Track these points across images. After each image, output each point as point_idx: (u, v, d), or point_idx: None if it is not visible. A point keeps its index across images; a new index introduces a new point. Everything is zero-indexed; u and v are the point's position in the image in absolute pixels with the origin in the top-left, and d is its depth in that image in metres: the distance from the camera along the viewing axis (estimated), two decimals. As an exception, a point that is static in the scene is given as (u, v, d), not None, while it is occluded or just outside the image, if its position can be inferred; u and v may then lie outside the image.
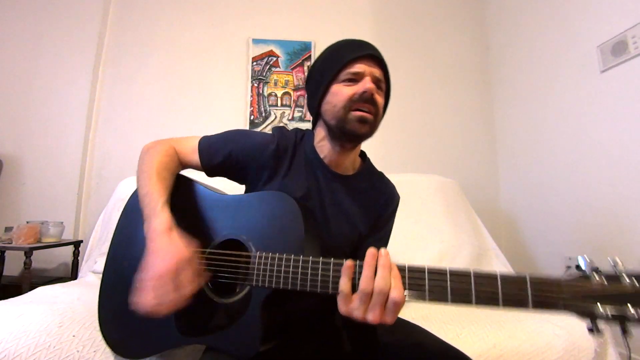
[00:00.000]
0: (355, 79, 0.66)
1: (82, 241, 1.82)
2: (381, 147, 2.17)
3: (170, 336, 0.63)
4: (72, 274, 1.75)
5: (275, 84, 2.17)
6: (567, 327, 0.86)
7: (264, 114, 2.14)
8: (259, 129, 2.10)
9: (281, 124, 2.12)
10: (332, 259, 0.52)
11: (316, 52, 2.20)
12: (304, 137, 0.77)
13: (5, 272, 1.71)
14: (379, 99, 0.67)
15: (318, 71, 0.72)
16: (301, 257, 0.54)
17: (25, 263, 1.50)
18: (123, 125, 2.06)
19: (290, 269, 0.54)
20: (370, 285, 0.46)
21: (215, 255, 0.64)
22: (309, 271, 0.53)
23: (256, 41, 2.19)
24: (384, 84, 0.70)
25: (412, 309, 1.00)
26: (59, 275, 1.87)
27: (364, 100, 0.64)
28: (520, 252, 1.95)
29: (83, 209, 1.96)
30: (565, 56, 1.70)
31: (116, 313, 0.69)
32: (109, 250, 0.76)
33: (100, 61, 2.09)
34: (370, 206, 0.75)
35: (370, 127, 0.67)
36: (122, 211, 0.79)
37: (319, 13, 2.28)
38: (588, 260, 0.43)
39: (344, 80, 0.66)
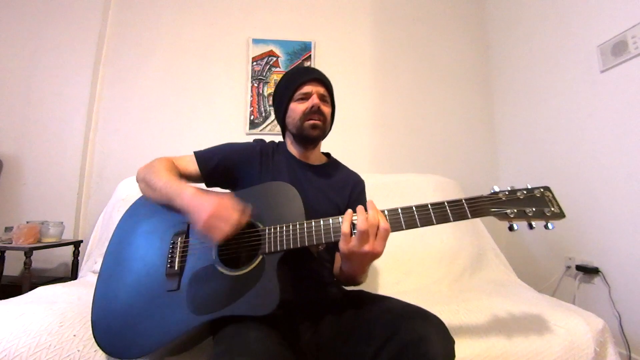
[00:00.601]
0: (306, 97, 0.88)
1: (82, 241, 1.82)
2: (381, 147, 2.17)
3: (183, 321, 0.64)
4: (72, 274, 1.75)
5: (276, 84, 2.17)
6: (567, 327, 0.86)
7: (264, 114, 2.14)
8: (259, 129, 2.11)
9: (281, 124, 2.13)
10: (330, 217, 0.68)
11: (316, 52, 2.21)
12: (279, 145, 0.97)
13: (5, 272, 1.71)
14: (326, 109, 0.90)
15: (279, 95, 0.95)
16: (305, 221, 0.69)
17: (25, 263, 1.50)
18: (123, 125, 2.06)
19: (297, 231, 0.68)
20: (365, 224, 0.63)
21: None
22: (313, 229, 0.68)
23: (256, 41, 2.19)
24: (328, 97, 0.92)
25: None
26: (59, 275, 1.87)
27: (313, 112, 0.87)
28: (520, 252, 1.95)
29: (83, 209, 1.96)
30: (565, 56, 1.70)
31: (116, 320, 0.67)
32: (102, 266, 0.75)
33: (100, 61, 2.09)
34: (342, 187, 0.94)
35: (320, 130, 0.89)
36: (115, 229, 0.78)
37: (319, 13, 2.28)
38: (498, 188, 0.69)
39: (297, 100, 0.89)
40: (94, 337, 0.67)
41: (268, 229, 0.69)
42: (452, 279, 1.36)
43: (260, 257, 0.68)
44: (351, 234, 0.65)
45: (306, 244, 0.67)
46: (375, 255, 0.65)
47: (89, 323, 0.70)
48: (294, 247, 0.67)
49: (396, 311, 0.66)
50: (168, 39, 2.17)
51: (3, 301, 0.87)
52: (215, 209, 0.65)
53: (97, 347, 0.68)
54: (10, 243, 1.55)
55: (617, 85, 1.43)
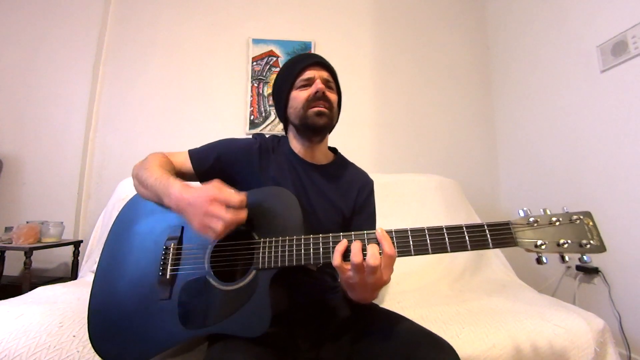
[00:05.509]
0: (308, 83, 0.80)
1: (82, 241, 1.82)
2: (382, 147, 2.17)
3: (174, 333, 0.62)
4: (72, 274, 1.75)
5: (275, 83, 2.17)
6: (567, 327, 0.86)
7: (264, 114, 2.14)
8: (259, 129, 2.10)
9: (281, 124, 2.12)
10: (330, 234, 0.61)
11: (316, 52, 2.20)
12: (280, 140, 0.89)
13: (5, 272, 1.71)
14: (331, 96, 0.82)
15: (278, 85, 0.87)
16: (302, 236, 0.62)
17: (25, 263, 1.50)
18: (123, 125, 2.06)
19: (294, 248, 0.62)
20: (359, 262, 0.55)
21: (219, 247, 0.67)
22: (311, 246, 0.61)
23: (256, 41, 2.19)
24: (333, 83, 0.84)
25: (412, 309, 1.00)
26: (59, 275, 1.87)
27: (318, 98, 0.78)
28: (520, 252, 1.94)
29: (83, 209, 1.96)
30: (565, 56, 1.70)
31: (111, 324, 0.66)
32: (99, 265, 0.73)
33: (100, 61, 2.09)
34: (348, 190, 0.85)
35: (327, 118, 0.80)
36: (112, 227, 0.76)
37: (319, 13, 2.28)
38: (527, 211, 0.57)
39: (299, 87, 0.81)
40: (90, 340, 0.66)
41: (263, 242, 0.64)
42: (452, 279, 1.36)
43: (254, 271, 0.63)
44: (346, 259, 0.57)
45: (302, 263, 0.60)
46: (381, 284, 0.58)
47: (89, 324, 0.69)
48: (289, 265, 0.61)
49: (406, 338, 0.62)
50: (168, 39, 2.17)
51: (3, 301, 0.87)
52: (207, 206, 0.59)
53: (97, 348, 0.68)
54: (10, 243, 1.55)
55: (617, 85, 1.43)
